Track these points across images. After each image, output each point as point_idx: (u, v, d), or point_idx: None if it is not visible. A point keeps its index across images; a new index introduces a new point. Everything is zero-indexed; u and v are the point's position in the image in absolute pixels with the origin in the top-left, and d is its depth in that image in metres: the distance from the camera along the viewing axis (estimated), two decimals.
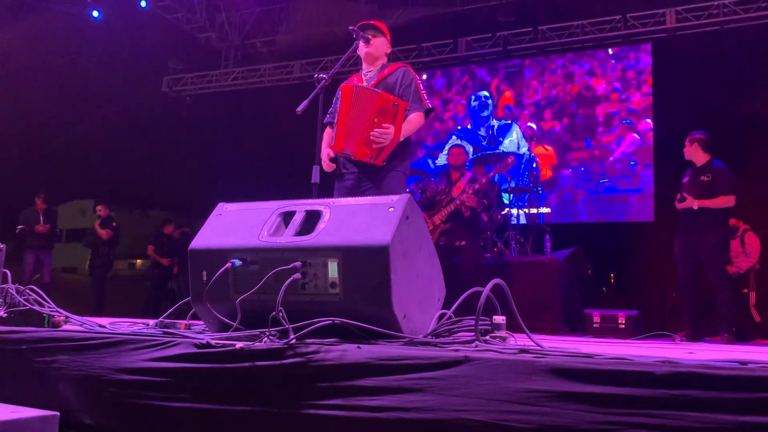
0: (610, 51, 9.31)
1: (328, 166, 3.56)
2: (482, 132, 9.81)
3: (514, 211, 7.79)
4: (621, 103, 9.14)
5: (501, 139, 9.60)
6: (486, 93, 9.91)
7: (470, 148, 9.60)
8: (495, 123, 9.70)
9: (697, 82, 8.04)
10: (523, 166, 8.55)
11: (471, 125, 9.97)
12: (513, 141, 8.75)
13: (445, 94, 10.29)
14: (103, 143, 13.41)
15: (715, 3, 8.34)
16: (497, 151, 9.25)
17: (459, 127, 10.08)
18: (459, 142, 9.56)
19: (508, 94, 9.92)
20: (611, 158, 9.08)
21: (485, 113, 9.83)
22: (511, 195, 7.94)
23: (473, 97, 9.98)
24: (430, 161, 10.17)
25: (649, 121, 8.88)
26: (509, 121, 9.59)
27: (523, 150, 9.12)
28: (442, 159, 9.79)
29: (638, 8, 8.86)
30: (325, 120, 3.69)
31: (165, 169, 12.26)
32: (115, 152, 14.10)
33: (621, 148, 9.02)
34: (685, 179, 5.65)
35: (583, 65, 9.49)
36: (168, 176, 12.46)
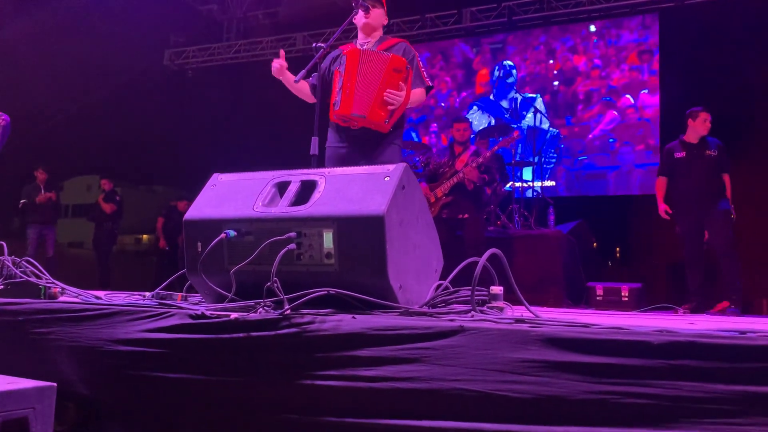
0: (593, 28, 9.25)
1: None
2: (505, 104, 9.74)
3: (519, 184, 7.73)
4: (601, 80, 9.12)
5: (524, 113, 9.51)
6: (510, 62, 9.81)
7: (492, 120, 9.58)
8: (519, 96, 9.61)
9: (704, 54, 7.91)
10: (546, 144, 8.54)
11: (494, 96, 9.89)
12: (537, 116, 8.65)
13: (429, 69, 10.23)
14: (106, 118, 13.36)
15: None
16: (503, 124, 9.17)
17: (479, 100, 10.01)
18: (472, 114, 9.50)
19: (484, 71, 9.90)
20: (590, 135, 9.09)
21: (510, 80, 9.73)
22: (516, 168, 7.88)
23: (497, 67, 9.90)
24: (413, 134, 10.15)
25: (628, 97, 8.88)
26: (533, 95, 9.50)
27: (546, 125, 9.07)
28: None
29: None
30: (309, 81, 3.65)
31: (168, 143, 12.23)
32: (118, 127, 14.06)
33: (600, 125, 9.02)
34: (680, 154, 5.70)
35: (566, 41, 9.43)
36: (171, 150, 12.43)
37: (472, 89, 10.13)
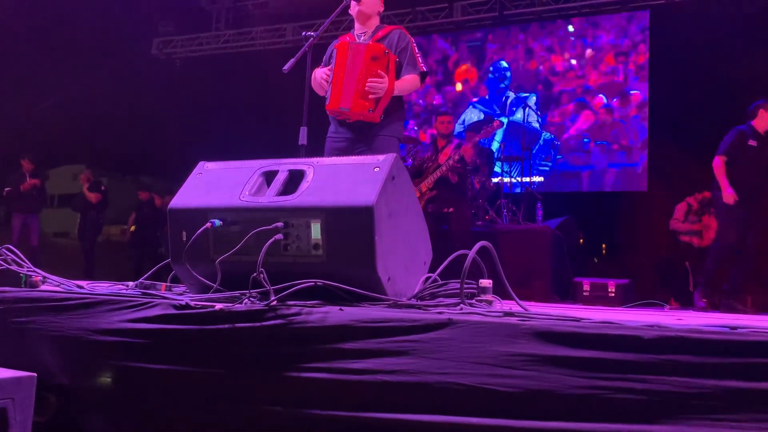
0: (571, 28, 9.29)
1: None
2: (498, 104, 9.77)
3: (506, 179, 7.73)
4: (577, 80, 9.17)
5: (514, 109, 9.51)
6: (505, 64, 9.81)
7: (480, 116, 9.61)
8: (511, 95, 9.60)
9: (695, 51, 7.94)
10: (539, 147, 8.58)
11: (489, 96, 9.90)
12: (528, 114, 8.60)
13: None
14: (93, 107, 13.20)
15: None
16: (488, 117, 9.18)
17: (476, 99, 10.01)
18: (469, 113, 9.49)
19: (464, 67, 9.92)
20: (566, 135, 9.14)
21: (502, 85, 9.74)
22: (504, 163, 7.88)
23: (491, 68, 9.89)
24: None
25: (602, 96, 8.94)
26: (525, 95, 9.49)
27: (536, 125, 9.09)
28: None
29: None
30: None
31: (155, 134, 12.11)
32: (105, 116, 13.89)
33: (576, 125, 9.08)
34: (753, 142, 5.50)
35: (544, 41, 9.46)
36: (158, 141, 12.31)
37: (452, 86, 10.13)
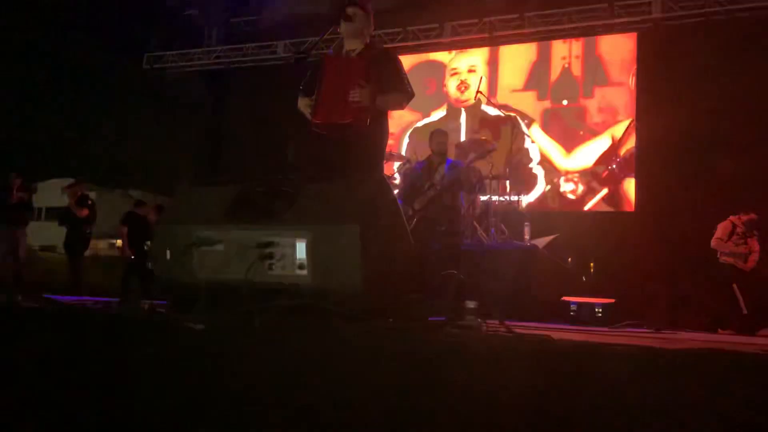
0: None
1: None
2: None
3: (495, 197, 7.75)
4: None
5: (502, 127, 9.50)
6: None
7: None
8: (501, 113, 9.60)
9: (682, 74, 8.04)
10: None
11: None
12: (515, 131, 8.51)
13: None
14: (83, 120, 13.18)
15: None
16: (480, 137, 9.20)
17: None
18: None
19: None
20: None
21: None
22: (492, 182, 7.89)
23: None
24: None
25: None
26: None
27: (525, 142, 9.12)
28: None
29: None
30: (300, 91, 3.63)
31: (146, 148, 12.10)
32: (95, 130, 13.88)
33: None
34: None
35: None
36: (149, 155, 12.30)
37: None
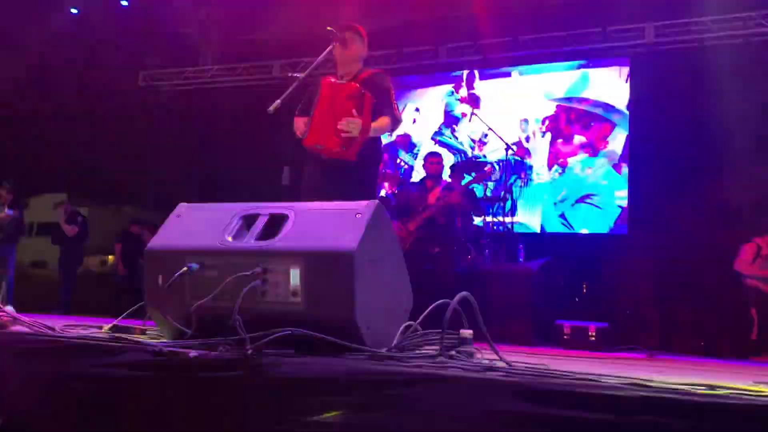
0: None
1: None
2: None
3: (489, 219, 7.74)
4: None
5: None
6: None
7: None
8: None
9: (674, 99, 8.10)
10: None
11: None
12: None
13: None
14: (77, 136, 13.14)
15: (695, 20, 8.40)
16: (476, 158, 9.21)
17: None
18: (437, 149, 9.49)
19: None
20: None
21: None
22: (487, 204, 7.89)
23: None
24: None
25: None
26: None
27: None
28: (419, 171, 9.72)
29: (619, 22, 8.88)
30: (297, 111, 3.65)
31: (139, 165, 12.03)
32: (88, 146, 13.83)
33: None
34: None
35: None
36: (142, 173, 12.23)
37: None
